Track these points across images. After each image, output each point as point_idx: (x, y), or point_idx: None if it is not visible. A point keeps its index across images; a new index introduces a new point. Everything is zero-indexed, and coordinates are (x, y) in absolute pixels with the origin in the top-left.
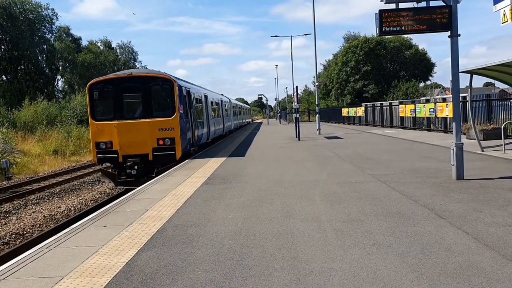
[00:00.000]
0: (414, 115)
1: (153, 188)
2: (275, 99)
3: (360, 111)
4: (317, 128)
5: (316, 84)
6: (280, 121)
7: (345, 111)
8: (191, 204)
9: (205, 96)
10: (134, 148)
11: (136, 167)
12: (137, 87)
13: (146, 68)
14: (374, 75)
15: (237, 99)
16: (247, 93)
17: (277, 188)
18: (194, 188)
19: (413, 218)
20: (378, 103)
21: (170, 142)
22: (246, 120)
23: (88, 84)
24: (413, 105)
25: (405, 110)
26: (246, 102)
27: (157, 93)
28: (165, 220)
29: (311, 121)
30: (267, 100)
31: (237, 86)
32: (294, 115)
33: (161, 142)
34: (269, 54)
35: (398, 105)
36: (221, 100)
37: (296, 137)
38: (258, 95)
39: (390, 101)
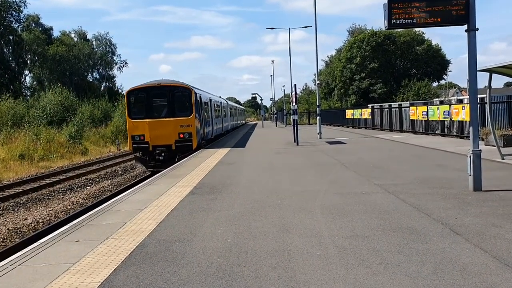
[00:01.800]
0: (426, 118)
1: (132, 199)
2: (271, 99)
3: (366, 113)
4: (318, 131)
5: (317, 82)
6: (276, 123)
7: (349, 113)
8: (175, 217)
9: (210, 100)
10: (161, 140)
11: (163, 154)
12: (163, 93)
13: (173, 80)
14: (382, 73)
15: (228, 99)
16: (239, 92)
17: (272, 199)
18: (179, 199)
19: (425, 233)
20: (386, 105)
21: (188, 135)
22: (241, 122)
23: (126, 91)
24: (425, 107)
25: (416, 112)
26: (238, 102)
27: (179, 99)
28: (145, 234)
29: (311, 124)
30: (261, 100)
31: (228, 84)
32: (292, 117)
33: (181, 135)
34: (264, 48)
35: (408, 107)
36: (221, 102)
37: (294, 141)
38: (252, 94)
39: (399, 102)
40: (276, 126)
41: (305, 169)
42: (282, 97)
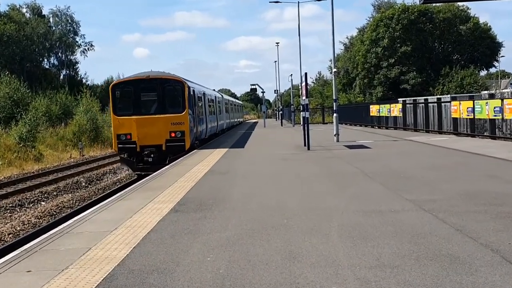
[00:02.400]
0: (472, 116)
1: (99, 218)
2: (275, 92)
3: (395, 109)
4: (335, 133)
5: (334, 70)
6: (281, 122)
7: (374, 110)
8: (153, 241)
9: (204, 94)
10: (150, 139)
11: (152, 155)
12: (153, 87)
13: (163, 72)
14: (416, 58)
15: (221, 91)
16: (235, 82)
17: (276, 218)
18: (158, 218)
19: (470, 263)
20: (421, 99)
21: (180, 134)
22: (238, 119)
23: (111, 84)
24: (471, 102)
25: (459, 109)
26: (233, 95)
27: (170, 93)
28: (115, 263)
29: (326, 123)
30: (263, 92)
31: (221, 72)
32: (302, 114)
33: (173, 134)
34: (266, 27)
35: (449, 102)
36: (215, 97)
37: (305, 145)
38: (251, 85)
39: (438, 96)
40: (282, 125)
41: (319, 181)
42: (289, 89)
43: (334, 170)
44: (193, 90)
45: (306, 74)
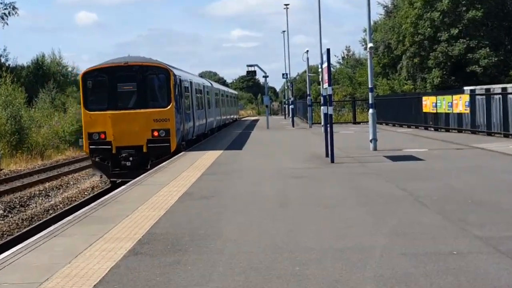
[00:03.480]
0: None
1: (23, 263)
2: (284, 76)
3: (460, 103)
4: (371, 137)
5: (370, 45)
6: (293, 121)
7: (428, 103)
8: None
9: (191, 83)
10: (128, 139)
11: (131, 158)
12: (132, 76)
13: (144, 57)
14: (489, 28)
15: (203, 75)
16: (224, 62)
17: (284, 264)
18: (110, 263)
19: None
20: (497, 87)
21: (165, 133)
22: (231, 116)
23: (82, 72)
24: None
25: None
26: (222, 82)
27: (152, 83)
28: None
29: (359, 123)
30: (266, 76)
31: (203, 48)
32: (323, 109)
33: (156, 133)
34: None
35: None
36: (203, 86)
37: (327, 156)
38: (248, 66)
39: None
40: (293, 125)
41: (346, 208)
42: (304, 72)
43: (369, 192)
44: (180, 79)
45: (328, 50)
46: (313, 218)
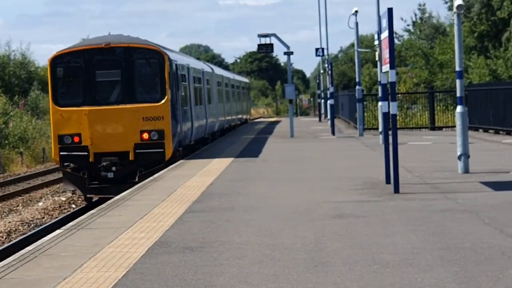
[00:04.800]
0: None
1: None
2: (318, 53)
3: None
4: (460, 152)
5: (457, 3)
6: (332, 124)
7: None
8: None
9: (188, 69)
10: (110, 144)
11: (114, 168)
12: (115, 61)
13: (131, 37)
14: None
15: (187, 52)
16: (222, 30)
17: None
18: None
19: None
20: None
21: (158, 136)
22: (239, 116)
23: (50, 57)
24: None
25: None
26: (218, 62)
27: (142, 70)
28: None
29: (440, 128)
30: (289, 54)
31: (189, 8)
32: (382, 105)
33: (146, 136)
34: None
35: None
36: (203, 73)
37: (388, 182)
38: (260, 37)
39: None
40: (333, 133)
41: (421, 270)
42: (352, 46)
43: (458, 243)
44: (176, 65)
45: (390, 11)
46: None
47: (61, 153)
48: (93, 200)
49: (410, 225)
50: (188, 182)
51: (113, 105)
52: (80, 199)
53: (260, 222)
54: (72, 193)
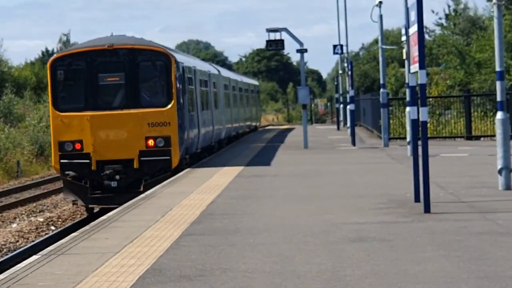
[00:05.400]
0: None
1: None
2: (337, 50)
3: None
4: (501, 165)
5: None
6: (353, 133)
7: None
8: None
9: (194, 72)
10: (113, 151)
11: (117, 177)
12: (119, 63)
13: (135, 38)
14: None
15: (180, 48)
16: (224, 24)
17: None
18: None
19: None
20: None
21: (164, 143)
22: (248, 123)
23: (51, 59)
24: None
25: None
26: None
27: (147, 73)
28: None
29: (477, 138)
30: (302, 51)
31: (184, 2)
32: (410, 111)
33: (151, 142)
34: None
35: None
36: (209, 75)
37: (418, 200)
38: (269, 32)
39: None
40: (354, 143)
41: None
42: (375, 43)
43: (499, 271)
44: (183, 68)
45: (420, 2)
46: None
47: (61, 160)
48: (95, 211)
49: (443, 250)
50: (186, 200)
51: (117, 110)
52: (60, 219)
53: (269, 246)
54: (73, 204)
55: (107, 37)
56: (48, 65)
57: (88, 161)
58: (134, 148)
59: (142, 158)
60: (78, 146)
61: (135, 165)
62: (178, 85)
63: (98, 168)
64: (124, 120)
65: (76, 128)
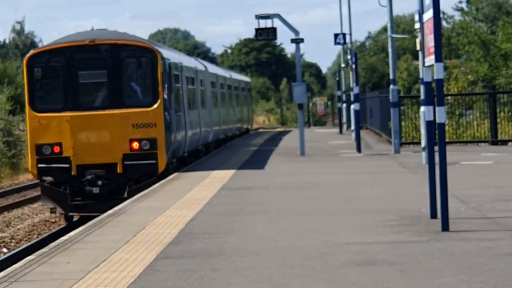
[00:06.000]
0: None
1: None
2: (338, 40)
3: None
4: None
5: None
6: (358, 138)
7: None
8: None
9: (181, 68)
10: (95, 155)
11: (99, 182)
12: (101, 60)
13: (118, 32)
14: None
15: (155, 38)
16: (204, 9)
17: None
18: None
19: None
20: None
21: (149, 145)
22: (238, 125)
23: (27, 56)
24: None
25: None
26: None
27: (131, 70)
28: None
29: (504, 142)
30: (297, 41)
31: None
32: (424, 111)
33: (136, 145)
34: None
35: None
36: (196, 72)
37: (434, 216)
38: (258, 18)
39: None
40: (359, 149)
41: None
42: (384, 31)
43: None
44: (169, 64)
45: None
46: None
47: (39, 165)
48: (74, 219)
49: (463, 275)
50: (161, 217)
51: (99, 111)
52: (14, 240)
53: (259, 271)
54: (51, 212)
55: (88, 32)
56: (24, 62)
57: (67, 165)
58: (117, 151)
59: (126, 162)
60: (57, 149)
61: (119, 169)
62: (164, 83)
63: (78, 173)
64: (106, 121)
65: (55, 129)
